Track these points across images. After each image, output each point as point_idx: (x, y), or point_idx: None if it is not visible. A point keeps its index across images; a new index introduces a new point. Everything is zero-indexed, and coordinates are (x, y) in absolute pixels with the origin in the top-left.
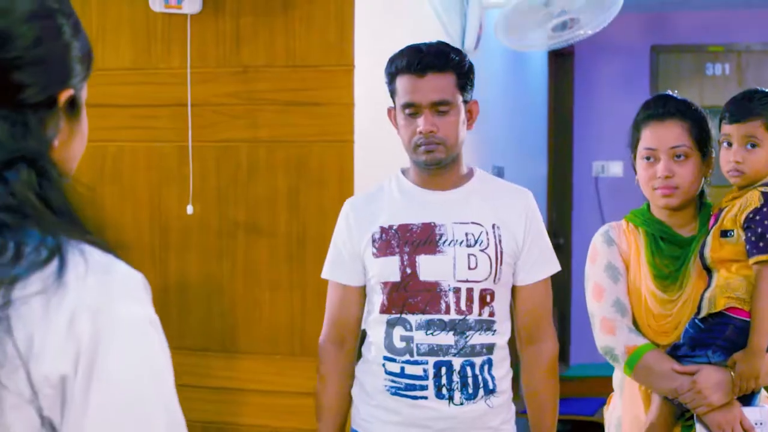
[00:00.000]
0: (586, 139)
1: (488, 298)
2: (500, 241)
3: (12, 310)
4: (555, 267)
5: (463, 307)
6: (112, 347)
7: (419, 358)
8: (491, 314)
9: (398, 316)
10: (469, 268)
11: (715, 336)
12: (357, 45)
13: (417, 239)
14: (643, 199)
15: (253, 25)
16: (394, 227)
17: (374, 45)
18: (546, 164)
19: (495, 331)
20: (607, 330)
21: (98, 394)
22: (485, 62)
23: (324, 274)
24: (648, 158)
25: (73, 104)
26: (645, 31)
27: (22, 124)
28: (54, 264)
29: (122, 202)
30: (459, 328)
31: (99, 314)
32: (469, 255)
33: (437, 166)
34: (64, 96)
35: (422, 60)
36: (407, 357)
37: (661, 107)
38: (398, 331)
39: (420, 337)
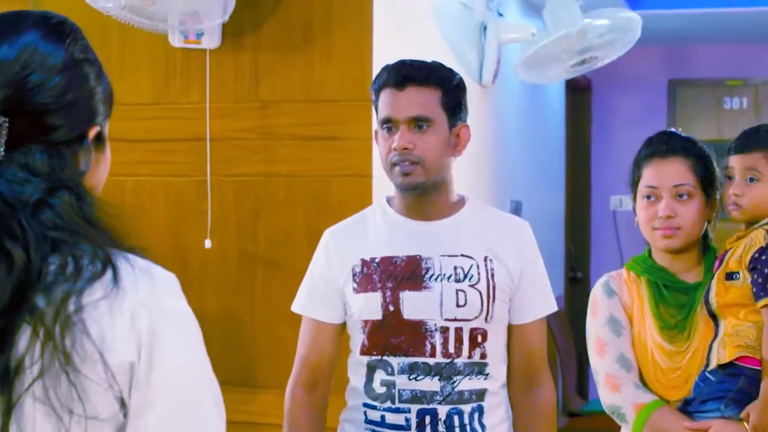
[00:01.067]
0: (603, 172)
1: (479, 339)
2: (493, 275)
3: (85, 314)
4: (552, 306)
5: (450, 348)
6: (166, 336)
7: (401, 406)
8: (483, 356)
9: (379, 358)
10: (458, 306)
11: (727, 388)
12: None
13: (401, 274)
14: None
15: (271, 60)
16: (377, 260)
17: None
18: (564, 198)
19: (487, 375)
20: (612, 387)
21: (158, 374)
22: (503, 96)
23: (295, 308)
24: (649, 197)
25: (99, 137)
26: (662, 64)
27: (59, 158)
28: (109, 272)
29: (141, 236)
30: (445, 372)
31: (152, 311)
32: (457, 291)
33: (417, 192)
34: (92, 132)
35: (401, 72)
36: (388, 404)
37: (664, 144)
38: (379, 375)
39: (402, 383)
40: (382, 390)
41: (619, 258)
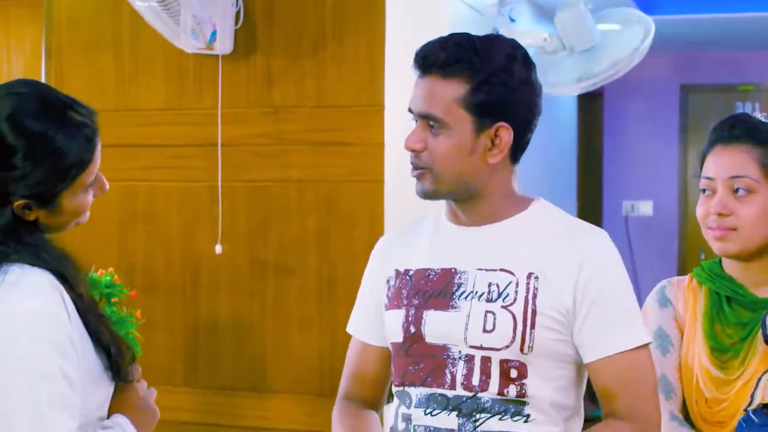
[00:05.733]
0: (615, 178)
1: (514, 374)
2: (534, 296)
3: None
4: (637, 337)
5: (474, 381)
6: (7, 331)
7: None
8: (521, 395)
9: (401, 388)
10: (485, 331)
11: None
12: (387, 85)
13: (431, 289)
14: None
15: (284, 66)
16: (411, 272)
17: (404, 85)
18: (576, 203)
19: (528, 418)
20: None
21: None
22: None
23: (348, 326)
24: (704, 190)
25: (44, 203)
26: (674, 70)
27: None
28: None
29: (154, 241)
30: (465, 408)
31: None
32: (486, 312)
33: (437, 200)
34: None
35: (426, 52)
36: None
37: (727, 129)
38: (400, 409)
39: (417, 417)
40: (402, 426)
41: (631, 264)
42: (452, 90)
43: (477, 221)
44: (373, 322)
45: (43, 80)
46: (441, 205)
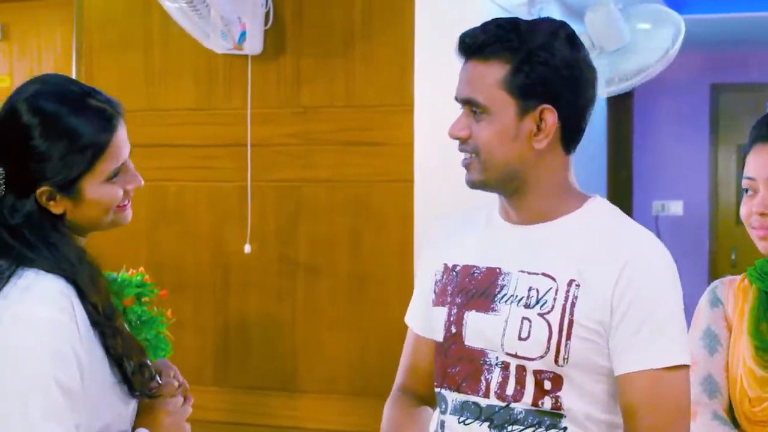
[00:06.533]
0: (645, 178)
1: (548, 385)
2: (573, 305)
3: None
4: (676, 356)
5: (508, 390)
6: (9, 333)
7: None
8: (557, 407)
9: (439, 390)
10: (520, 338)
11: None
12: (416, 85)
13: (475, 288)
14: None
15: (313, 66)
16: (458, 268)
17: (434, 85)
18: None
19: (566, 431)
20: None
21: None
22: None
23: (406, 315)
24: (747, 190)
25: (65, 190)
26: (704, 69)
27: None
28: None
29: (183, 241)
30: (497, 419)
31: (4, 311)
32: (523, 319)
33: (485, 190)
34: (40, 192)
35: (464, 38)
36: None
37: (765, 128)
38: (436, 413)
39: (451, 424)
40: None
41: None
42: (493, 72)
43: (527, 219)
44: (423, 313)
45: None
46: (481, 201)
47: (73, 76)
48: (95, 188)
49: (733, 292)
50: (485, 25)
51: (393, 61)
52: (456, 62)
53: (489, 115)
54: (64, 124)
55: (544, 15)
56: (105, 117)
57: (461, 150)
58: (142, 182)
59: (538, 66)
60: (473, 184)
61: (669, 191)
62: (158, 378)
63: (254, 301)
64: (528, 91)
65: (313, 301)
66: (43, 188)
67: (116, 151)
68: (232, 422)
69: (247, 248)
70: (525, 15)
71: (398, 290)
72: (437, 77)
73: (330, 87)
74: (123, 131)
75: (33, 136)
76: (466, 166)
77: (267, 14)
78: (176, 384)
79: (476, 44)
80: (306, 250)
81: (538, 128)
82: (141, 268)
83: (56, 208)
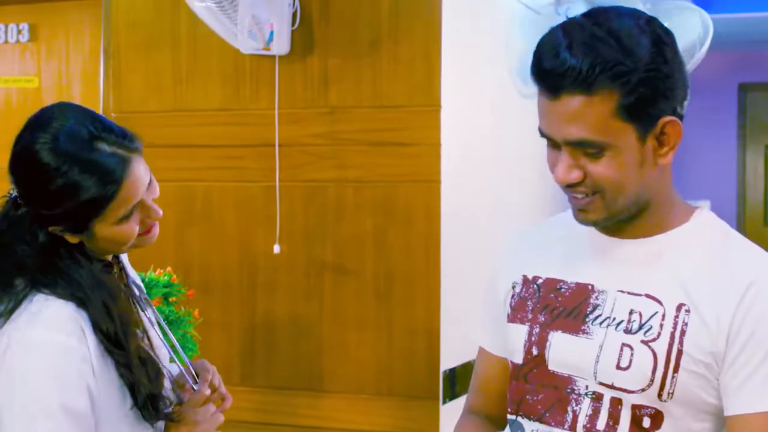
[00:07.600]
0: (673, 178)
1: (647, 423)
2: (683, 333)
3: None
4: None
5: (599, 425)
6: (14, 357)
7: None
8: None
9: (514, 417)
10: (618, 367)
11: None
12: (444, 85)
13: (561, 306)
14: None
15: (340, 66)
16: (540, 281)
17: (461, 85)
18: None
19: None
20: None
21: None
22: None
23: (472, 329)
24: None
25: (76, 232)
26: (732, 69)
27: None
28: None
29: (211, 242)
30: None
31: (11, 335)
32: (623, 345)
33: (601, 226)
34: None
35: (551, 69)
36: None
37: None
38: None
39: None
40: None
41: None
42: (602, 103)
43: (631, 233)
44: (493, 329)
45: (101, 80)
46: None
47: (101, 77)
48: (107, 229)
49: None
50: (568, 51)
51: (420, 62)
52: (483, 63)
53: (609, 150)
54: (68, 179)
55: (571, 15)
56: (113, 166)
57: (574, 191)
58: (161, 213)
59: (651, 81)
60: (594, 224)
61: (696, 191)
62: (194, 381)
63: (281, 302)
64: (646, 111)
65: (340, 301)
66: (54, 228)
67: (127, 196)
68: (258, 422)
69: (276, 248)
70: (552, 15)
71: (425, 291)
72: (465, 78)
73: (357, 87)
74: (138, 170)
75: (40, 187)
76: (584, 208)
77: (294, 14)
78: (207, 392)
79: (576, 75)
80: (333, 251)
81: (660, 143)
82: (168, 268)
83: (72, 239)
